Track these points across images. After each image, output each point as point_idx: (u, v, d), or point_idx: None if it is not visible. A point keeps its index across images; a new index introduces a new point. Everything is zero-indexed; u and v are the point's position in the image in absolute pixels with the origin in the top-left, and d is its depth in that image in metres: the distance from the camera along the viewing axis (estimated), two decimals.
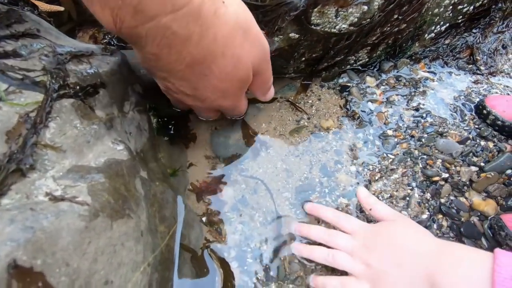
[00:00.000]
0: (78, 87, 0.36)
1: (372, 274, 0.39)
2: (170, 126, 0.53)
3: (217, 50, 0.36)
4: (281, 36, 0.54)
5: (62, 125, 0.32)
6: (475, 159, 0.55)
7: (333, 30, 0.55)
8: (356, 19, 0.54)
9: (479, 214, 0.51)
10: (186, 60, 0.36)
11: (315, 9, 0.50)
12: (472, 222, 0.50)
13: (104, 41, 0.66)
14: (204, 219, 0.51)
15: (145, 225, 0.35)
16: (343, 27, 0.55)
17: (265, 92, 0.50)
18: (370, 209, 0.46)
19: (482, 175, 0.53)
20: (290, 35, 0.54)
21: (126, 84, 0.45)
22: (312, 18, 0.52)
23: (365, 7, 0.52)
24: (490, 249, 0.47)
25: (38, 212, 0.23)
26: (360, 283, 0.39)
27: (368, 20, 0.55)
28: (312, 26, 0.53)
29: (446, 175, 0.53)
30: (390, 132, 0.60)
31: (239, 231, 0.50)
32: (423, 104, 0.63)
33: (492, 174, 0.53)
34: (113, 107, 0.40)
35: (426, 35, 0.68)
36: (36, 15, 0.41)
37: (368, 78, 0.67)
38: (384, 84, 0.67)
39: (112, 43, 0.63)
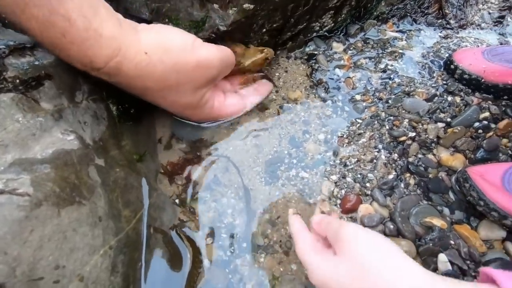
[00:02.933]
0: (18, 81, 0.35)
1: None
2: (131, 111, 0.52)
3: (153, 89, 0.43)
4: (235, 8, 0.52)
5: (1, 120, 0.32)
6: (442, 115, 0.55)
7: None
8: None
9: (447, 169, 0.52)
10: (133, 92, 0.44)
11: None
12: (440, 177, 0.51)
13: None
14: (177, 200, 0.51)
15: (104, 211, 0.36)
16: None
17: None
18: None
19: (449, 130, 0.53)
20: (245, 6, 0.52)
21: (75, 73, 0.44)
22: None
23: None
24: (457, 202, 0.48)
25: None
26: None
27: None
28: None
29: (413, 134, 0.53)
30: (358, 97, 0.59)
31: (213, 209, 0.51)
32: (391, 65, 0.62)
33: (459, 128, 0.53)
34: (62, 98, 0.40)
35: None
36: None
37: (334, 44, 0.65)
38: (351, 48, 0.65)
39: None
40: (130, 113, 0.52)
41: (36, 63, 0.39)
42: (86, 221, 0.32)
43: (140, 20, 0.61)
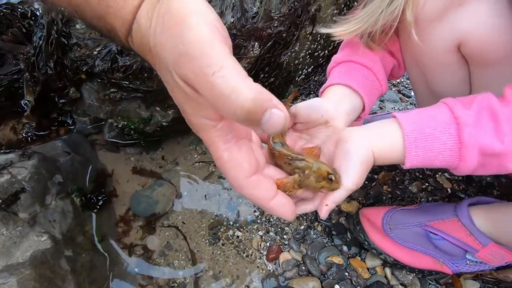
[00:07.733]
0: (0, 201, 0.46)
1: None
2: (93, 200, 0.64)
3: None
4: (173, 110, 0.68)
5: None
6: None
7: None
8: None
9: (346, 214, 0.69)
10: None
11: None
12: (341, 221, 0.67)
13: (23, 130, 0.75)
14: (136, 269, 0.62)
15: None
16: None
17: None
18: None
19: None
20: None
21: (45, 180, 0.55)
22: None
23: None
24: (353, 240, 0.65)
25: None
26: None
27: None
28: None
29: None
30: None
31: (166, 273, 0.62)
32: None
33: None
34: (35, 205, 0.51)
35: (297, 78, 0.86)
36: None
37: None
38: None
39: (30, 134, 0.73)
40: (91, 201, 0.64)
41: (13, 180, 0.50)
42: None
43: (97, 119, 0.75)
